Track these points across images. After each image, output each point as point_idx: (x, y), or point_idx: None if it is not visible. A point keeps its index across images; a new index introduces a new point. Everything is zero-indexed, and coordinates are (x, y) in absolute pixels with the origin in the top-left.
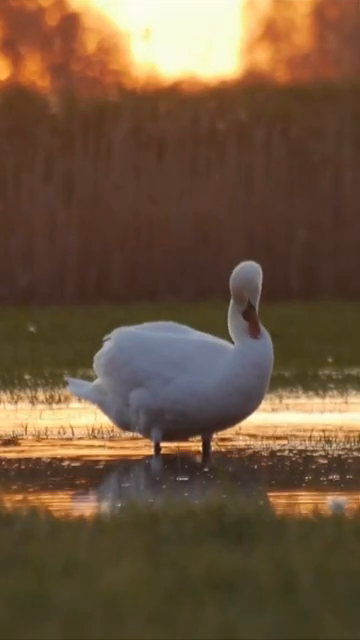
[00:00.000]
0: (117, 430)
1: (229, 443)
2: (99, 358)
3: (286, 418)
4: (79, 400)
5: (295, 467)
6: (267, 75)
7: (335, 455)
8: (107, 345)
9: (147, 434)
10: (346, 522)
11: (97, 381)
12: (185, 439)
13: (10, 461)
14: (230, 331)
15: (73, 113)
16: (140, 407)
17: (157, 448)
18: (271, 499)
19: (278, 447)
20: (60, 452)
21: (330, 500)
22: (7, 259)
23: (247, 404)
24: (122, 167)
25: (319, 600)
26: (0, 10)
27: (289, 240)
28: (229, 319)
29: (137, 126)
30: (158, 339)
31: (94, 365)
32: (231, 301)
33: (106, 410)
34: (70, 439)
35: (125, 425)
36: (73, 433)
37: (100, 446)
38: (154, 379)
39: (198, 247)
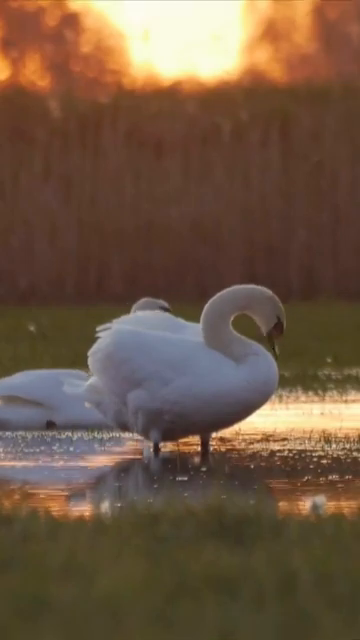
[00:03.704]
0: (116, 430)
1: (229, 443)
2: (94, 354)
3: (286, 418)
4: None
5: (295, 467)
6: (267, 75)
7: (335, 455)
8: (103, 341)
9: (145, 435)
10: (346, 522)
11: (93, 380)
12: (183, 438)
13: (10, 461)
14: (218, 344)
15: (72, 113)
16: (139, 408)
17: (156, 448)
18: (271, 499)
19: (278, 447)
20: (59, 452)
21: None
22: (7, 259)
23: (245, 413)
24: (121, 167)
25: (319, 600)
26: (0, 10)
27: (289, 240)
28: (219, 335)
29: (136, 126)
30: (158, 338)
31: (89, 361)
32: (221, 321)
33: (103, 410)
34: (69, 439)
35: (123, 425)
36: (72, 433)
37: (99, 446)
38: (153, 379)
39: (198, 247)
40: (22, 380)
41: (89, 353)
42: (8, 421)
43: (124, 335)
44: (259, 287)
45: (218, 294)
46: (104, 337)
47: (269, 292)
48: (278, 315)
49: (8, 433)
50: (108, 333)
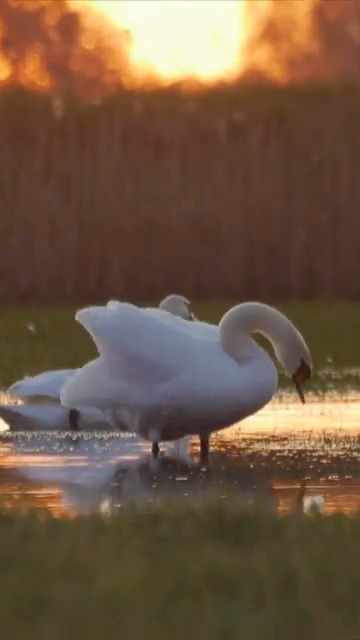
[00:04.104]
0: (115, 430)
1: (229, 443)
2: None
3: (286, 418)
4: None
5: (295, 467)
6: (267, 75)
7: (335, 455)
8: (111, 315)
9: (144, 435)
10: (346, 522)
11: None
12: (181, 437)
13: (10, 461)
14: (230, 346)
15: (72, 113)
16: (137, 407)
17: (155, 448)
18: (271, 499)
19: (278, 447)
20: (59, 452)
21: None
22: (7, 259)
23: (243, 414)
24: (120, 167)
25: (319, 600)
26: (0, 10)
27: (289, 240)
28: (233, 337)
29: (135, 126)
30: (166, 327)
31: (91, 315)
32: (240, 327)
33: (102, 411)
34: (69, 439)
35: (122, 425)
36: (72, 432)
37: (99, 446)
38: (153, 370)
39: (198, 247)
40: (45, 380)
41: (89, 316)
42: (35, 420)
43: (132, 315)
44: (286, 320)
45: (250, 303)
46: (107, 312)
47: (298, 335)
48: (302, 358)
49: (8, 433)
50: (113, 310)
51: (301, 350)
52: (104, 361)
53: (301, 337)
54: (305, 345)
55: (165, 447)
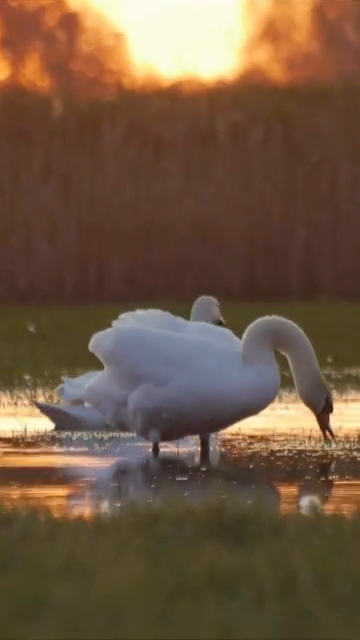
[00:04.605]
0: (115, 430)
1: (229, 443)
2: (96, 348)
3: (286, 418)
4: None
5: (294, 467)
6: (267, 75)
7: (335, 455)
8: (109, 337)
9: (145, 435)
10: (346, 522)
11: (92, 382)
12: (181, 438)
13: (9, 461)
14: (249, 349)
15: (72, 113)
16: (138, 409)
17: (155, 449)
18: (271, 499)
19: (277, 447)
20: (59, 452)
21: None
22: (7, 259)
23: (243, 414)
24: (121, 167)
25: (319, 600)
26: (0, 10)
27: (289, 240)
28: (255, 341)
29: (136, 126)
30: (159, 336)
31: (93, 344)
32: (267, 337)
33: (103, 411)
34: (69, 439)
35: (122, 425)
36: (72, 433)
37: (99, 446)
38: (153, 377)
39: (198, 247)
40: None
41: (92, 344)
42: (82, 420)
43: (125, 333)
44: (312, 351)
45: (285, 320)
46: (105, 335)
47: (319, 371)
48: (326, 398)
49: (8, 433)
50: (110, 331)
51: (323, 387)
52: (106, 371)
53: (322, 374)
54: (325, 381)
55: (168, 447)
